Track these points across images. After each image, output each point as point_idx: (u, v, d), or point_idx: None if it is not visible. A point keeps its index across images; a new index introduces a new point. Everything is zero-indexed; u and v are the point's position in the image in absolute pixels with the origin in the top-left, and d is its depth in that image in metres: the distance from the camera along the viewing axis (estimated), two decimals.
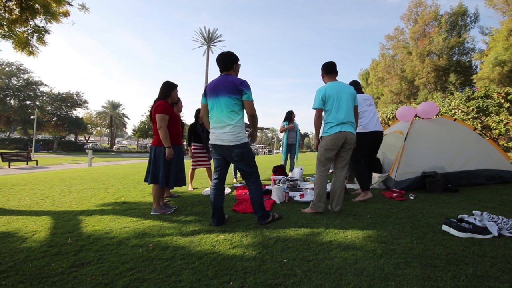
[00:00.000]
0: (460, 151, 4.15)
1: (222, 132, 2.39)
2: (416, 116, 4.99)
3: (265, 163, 10.75)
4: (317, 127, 2.89)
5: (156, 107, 2.93)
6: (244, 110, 2.42)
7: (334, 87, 2.81)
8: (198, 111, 4.57)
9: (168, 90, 3.06)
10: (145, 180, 3.07)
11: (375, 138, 3.51)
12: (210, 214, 2.89)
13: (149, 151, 3.18)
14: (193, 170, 4.56)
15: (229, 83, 2.34)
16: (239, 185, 4.73)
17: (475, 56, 20.41)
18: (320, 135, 2.91)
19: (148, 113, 3.17)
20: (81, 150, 39.20)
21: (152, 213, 2.98)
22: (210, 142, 2.52)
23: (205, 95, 2.53)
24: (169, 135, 2.95)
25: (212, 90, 2.44)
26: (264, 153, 46.28)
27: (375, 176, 4.35)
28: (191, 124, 4.61)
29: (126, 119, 55.49)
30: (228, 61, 2.44)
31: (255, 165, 2.53)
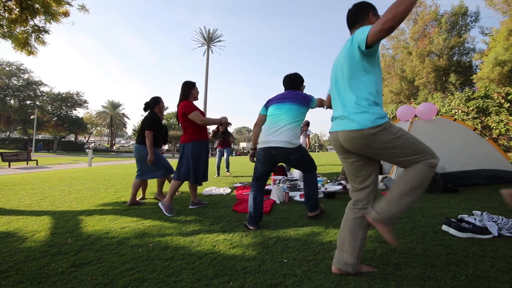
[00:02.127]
0: (460, 151, 4.15)
1: (278, 133, 2.42)
2: (415, 116, 4.99)
3: None
4: None
5: (185, 109, 3.04)
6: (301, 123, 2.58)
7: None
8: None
9: (188, 89, 3.17)
10: (175, 178, 3.15)
11: None
12: (210, 214, 2.90)
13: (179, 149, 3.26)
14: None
15: (298, 94, 2.56)
16: (239, 185, 4.73)
17: (475, 56, 20.42)
18: None
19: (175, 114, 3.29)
20: (81, 150, 39.19)
21: (191, 207, 3.23)
22: (261, 146, 2.52)
23: (266, 105, 2.66)
24: (198, 131, 3.11)
25: (277, 100, 2.59)
26: None
27: None
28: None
29: (126, 119, 55.50)
30: (295, 83, 2.65)
31: (312, 159, 2.64)
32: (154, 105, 3.65)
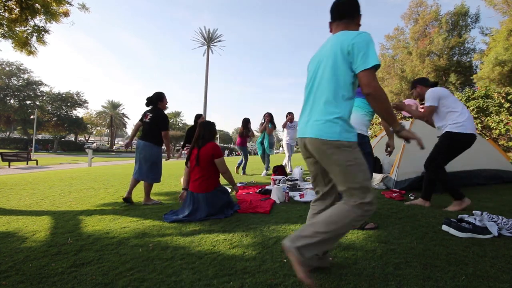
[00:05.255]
0: None
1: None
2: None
3: None
4: None
5: (214, 151, 2.84)
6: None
7: (320, 49, 1.56)
8: (197, 116, 5.27)
9: (214, 130, 3.04)
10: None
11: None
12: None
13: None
14: None
15: None
16: (239, 185, 4.73)
17: (475, 57, 20.44)
18: None
19: (194, 155, 2.94)
20: (81, 150, 39.21)
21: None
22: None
23: None
24: None
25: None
26: None
27: (376, 176, 4.35)
28: (191, 127, 5.28)
29: (126, 119, 55.51)
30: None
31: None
32: (157, 101, 3.56)
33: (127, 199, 3.43)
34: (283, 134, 6.72)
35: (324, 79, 1.41)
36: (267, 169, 6.31)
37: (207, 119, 5.70)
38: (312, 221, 1.36)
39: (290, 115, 6.51)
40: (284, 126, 6.56)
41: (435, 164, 2.94)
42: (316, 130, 1.37)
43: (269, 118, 6.36)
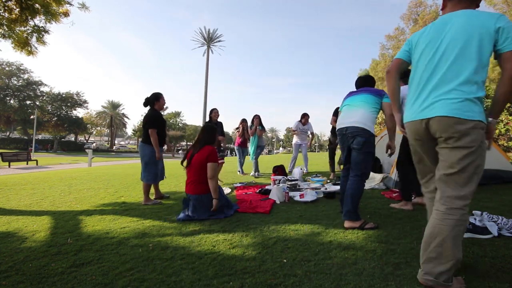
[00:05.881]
0: None
1: (353, 116, 2.56)
2: None
3: (265, 163, 10.74)
4: (392, 98, 1.76)
5: (209, 155, 2.80)
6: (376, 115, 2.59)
7: (438, 25, 1.46)
8: (210, 111, 5.51)
9: (214, 134, 3.02)
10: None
11: None
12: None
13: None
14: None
15: (372, 88, 2.71)
16: (239, 185, 4.73)
17: None
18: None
19: (188, 155, 2.94)
20: (81, 150, 39.20)
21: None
22: (337, 132, 2.70)
23: (343, 100, 2.81)
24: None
25: (352, 93, 2.75)
26: (265, 153, 46.31)
27: (376, 176, 4.35)
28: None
29: (126, 119, 55.51)
30: (371, 82, 2.81)
31: (369, 163, 2.50)
32: (154, 101, 3.61)
33: (161, 197, 3.81)
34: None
35: (461, 56, 1.35)
36: (254, 171, 6.24)
37: (208, 119, 5.71)
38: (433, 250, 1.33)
39: (305, 117, 6.38)
40: (296, 129, 6.45)
41: (407, 162, 2.98)
42: (451, 109, 1.31)
43: (257, 120, 6.34)
